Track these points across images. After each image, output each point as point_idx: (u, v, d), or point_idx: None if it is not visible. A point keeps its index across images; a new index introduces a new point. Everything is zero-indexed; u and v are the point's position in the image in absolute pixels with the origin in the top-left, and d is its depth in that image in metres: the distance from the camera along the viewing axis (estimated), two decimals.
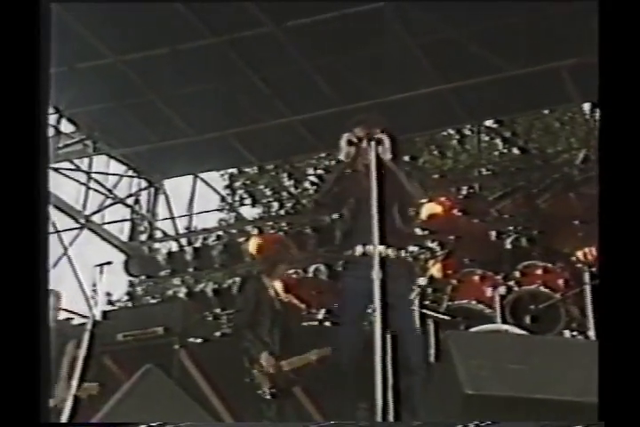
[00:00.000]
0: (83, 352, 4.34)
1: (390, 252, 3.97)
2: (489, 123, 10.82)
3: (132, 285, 12.75)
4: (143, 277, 10.63)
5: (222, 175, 14.78)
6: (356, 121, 4.30)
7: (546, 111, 11.59)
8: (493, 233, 6.73)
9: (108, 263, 4.97)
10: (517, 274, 5.84)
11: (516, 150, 12.23)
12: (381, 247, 3.85)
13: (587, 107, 10.50)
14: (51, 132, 8.69)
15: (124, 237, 10.03)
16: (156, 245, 10.26)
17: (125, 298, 13.24)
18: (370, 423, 3.47)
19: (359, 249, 3.94)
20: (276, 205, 14.19)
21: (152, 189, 10.20)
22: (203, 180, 10.72)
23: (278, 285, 5.53)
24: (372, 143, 3.87)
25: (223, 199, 13.54)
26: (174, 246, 10.17)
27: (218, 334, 6.97)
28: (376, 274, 3.52)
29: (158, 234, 10.28)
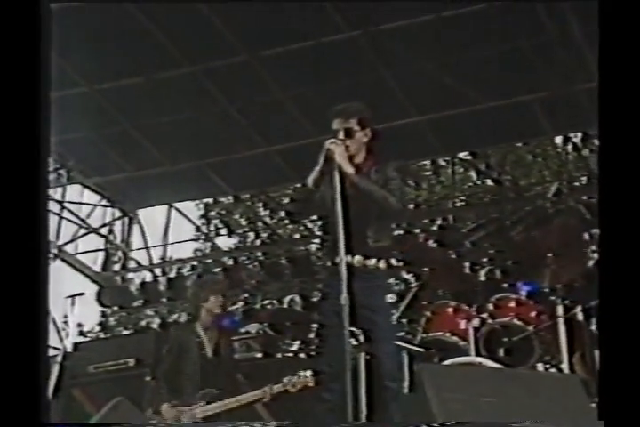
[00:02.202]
0: (51, 385, 4.26)
1: (368, 262, 3.92)
2: (463, 155, 10.90)
3: (104, 315, 12.61)
4: (116, 308, 10.52)
5: (197, 205, 14.75)
6: (333, 113, 4.12)
7: (519, 144, 11.71)
8: (467, 265, 6.73)
9: (80, 294, 4.91)
10: (491, 306, 5.84)
11: (489, 182, 12.31)
12: (358, 258, 3.82)
13: (559, 140, 10.61)
14: None
15: (97, 267, 9.93)
16: (130, 276, 10.17)
17: (97, 329, 13.08)
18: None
19: (337, 260, 3.86)
20: (251, 235, 14.15)
21: (126, 219, 10.14)
22: (177, 209, 10.68)
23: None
24: (336, 145, 3.84)
25: (198, 229, 13.48)
26: (148, 277, 10.09)
27: None
28: (344, 285, 3.49)
29: (132, 264, 10.20)
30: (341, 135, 3.98)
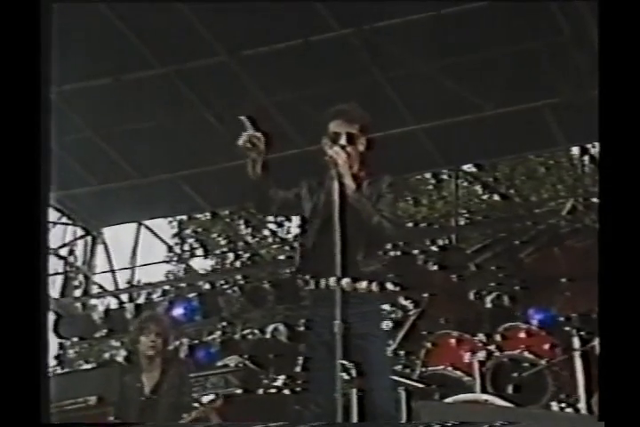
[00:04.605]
0: None
1: (359, 285, 3.91)
2: (467, 167, 10.92)
3: (62, 347, 12.51)
4: (75, 339, 10.45)
5: (170, 222, 14.75)
6: (333, 113, 4.12)
7: (529, 155, 11.76)
8: (472, 290, 6.74)
9: None
10: (498, 337, 5.83)
11: (497, 198, 12.35)
12: (347, 280, 3.81)
13: (574, 150, 10.65)
14: None
15: (56, 292, 9.88)
16: (93, 302, 10.11)
17: (54, 363, 12.98)
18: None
19: (323, 283, 3.86)
20: (230, 256, 14.13)
21: (89, 238, 10.10)
22: (147, 227, 10.65)
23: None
24: (340, 152, 3.84)
25: (171, 249, 13.44)
26: (113, 303, 10.04)
27: None
28: (338, 311, 3.48)
29: (95, 289, 10.15)
30: (343, 140, 3.97)
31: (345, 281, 3.81)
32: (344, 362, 3.51)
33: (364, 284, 3.92)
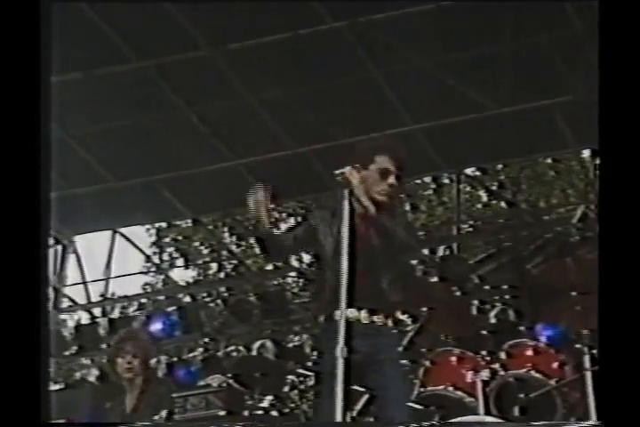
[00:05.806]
0: None
1: (376, 318, 3.95)
2: (470, 170, 10.96)
3: None
4: None
5: (148, 230, 14.74)
6: (375, 147, 4.15)
7: (537, 158, 11.79)
8: (474, 304, 6.76)
9: None
10: (503, 355, 5.84)
11: (502, 203, 12.38)
12: (363, 313, 3.84)
13: (586, 153, 10.69)
14: None
15: None
16: (62, 317, 10.09)
17: None
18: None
19: (338, 314, 3.89)
20: (213, 266, 14.13)
21: (59, 248, 10.08)
22: (123, 235, 10.63)
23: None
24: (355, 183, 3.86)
25: (148, 259, 13.43)
26: (85, 318, 10.03)
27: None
28: (340, 346, 3.50)
29: (65, 303, 10.13)
30: (392, 179, 3.99)
31: (362, 314, 3.87)
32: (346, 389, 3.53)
33: (381, 317, 3.97)
